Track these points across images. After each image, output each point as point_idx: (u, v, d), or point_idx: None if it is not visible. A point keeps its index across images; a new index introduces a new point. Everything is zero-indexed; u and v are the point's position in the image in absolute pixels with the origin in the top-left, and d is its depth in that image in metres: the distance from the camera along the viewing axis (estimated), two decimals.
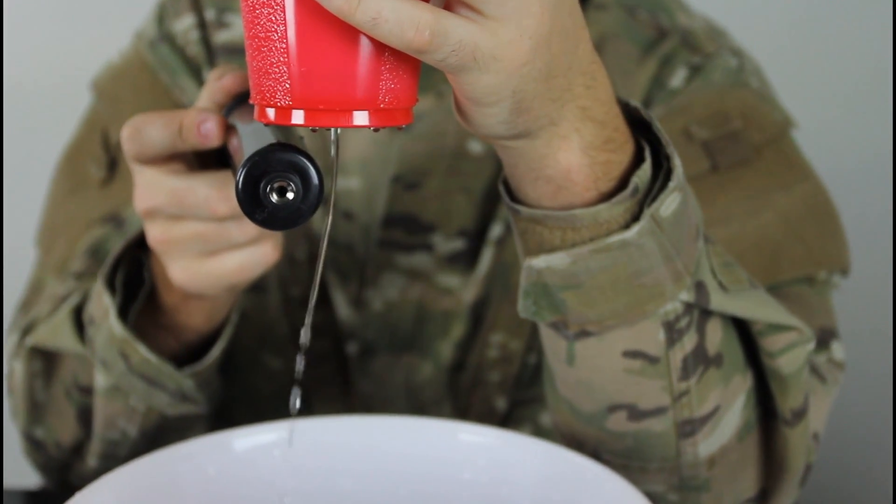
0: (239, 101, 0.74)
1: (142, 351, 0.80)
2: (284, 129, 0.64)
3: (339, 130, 0.62)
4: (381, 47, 0.56)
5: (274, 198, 0.59)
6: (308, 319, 0.67)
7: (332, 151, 0.62)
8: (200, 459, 0.72)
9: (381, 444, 0.75)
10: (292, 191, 0.59)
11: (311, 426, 0.75)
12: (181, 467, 0.71)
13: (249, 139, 0.64)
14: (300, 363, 0.69)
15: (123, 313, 0.81)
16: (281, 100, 0.57)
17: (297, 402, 0.69)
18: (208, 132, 0.70)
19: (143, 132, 0.71)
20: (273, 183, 0.59)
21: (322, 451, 0.74)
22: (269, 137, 0.62)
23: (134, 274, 0.82)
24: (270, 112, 0.58)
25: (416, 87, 0.60)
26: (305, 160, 0.59)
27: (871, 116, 1.50)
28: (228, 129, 0.71)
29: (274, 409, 0.94)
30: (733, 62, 0.94)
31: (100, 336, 0.81)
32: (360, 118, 0.57)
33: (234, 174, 0.64)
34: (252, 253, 0.74)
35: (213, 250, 0.73)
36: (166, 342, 0.83)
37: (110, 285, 0.81)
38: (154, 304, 0.82)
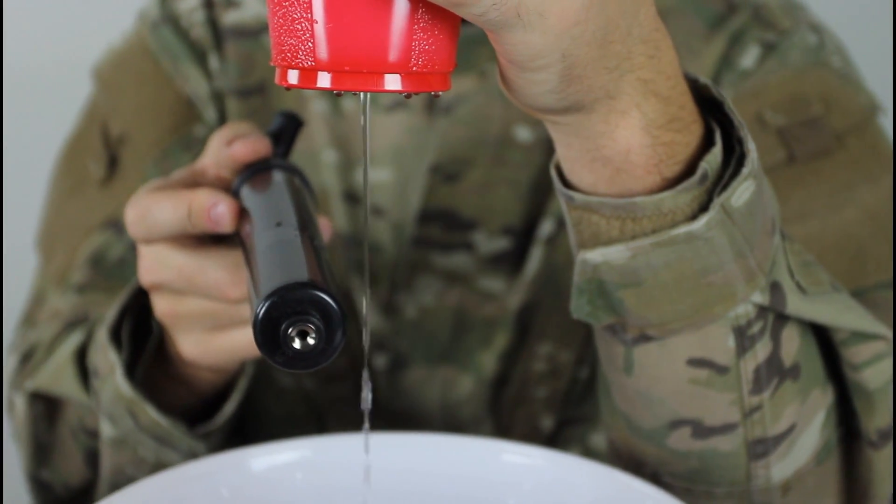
0: (251, 173, 0.74)
1: (151, 413, 0.80)
2: (291, 170, 0.64)
3: (367, 96, 0.61)
4: (413, 1, 0.55)
5: (296, 344, 0.58)
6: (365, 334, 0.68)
7: (361, 121, 0.62)
8: (214, 479, 0.72)
9: (415, 464, 0.74)
10: (314, 336, 0.58)
11: (335, 444, 0.75)
12: (192, 488, 0.71)
13: (262, 232, 0.65)
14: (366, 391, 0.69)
15: (130, 369, 0.81)
16: (304, 60, 0.56)
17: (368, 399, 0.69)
18: (219, 218, 0.71)
19: (150, 216, 0.72)
20: (293, 327, 0.58)
21: (348, 473, 0.73)
22: (290, 225, 0.63)
23: (141, 319, 0.83)
24: (293, 75, 0.57)
25: (455, 50, 0.59)
26: (328, 298, 0.58)
27: None
28: (241, 212, 0.71)
29: (286, 433, 0.93)
30: (812, 39, 0.92)
31: (106, 391, 0.81)
32: (392, 82, 0.56)
33: (246, 262, 0.65)
34: None
35: (224, 325, 0.75)
36: (176, 393, 0.83)
37: (115, 338, 0.81)
38: (163, 353, 0.82)
